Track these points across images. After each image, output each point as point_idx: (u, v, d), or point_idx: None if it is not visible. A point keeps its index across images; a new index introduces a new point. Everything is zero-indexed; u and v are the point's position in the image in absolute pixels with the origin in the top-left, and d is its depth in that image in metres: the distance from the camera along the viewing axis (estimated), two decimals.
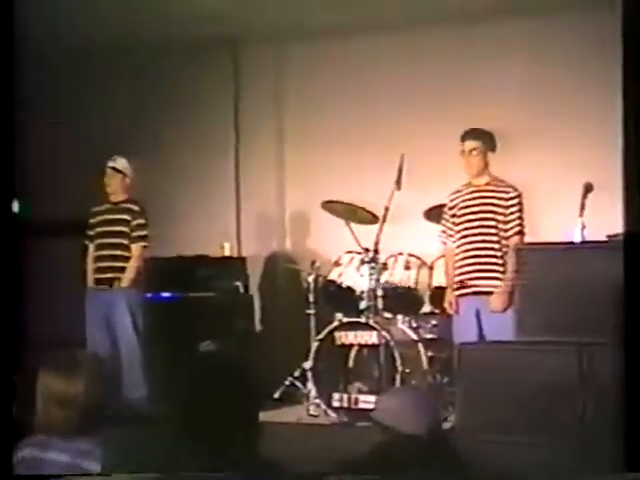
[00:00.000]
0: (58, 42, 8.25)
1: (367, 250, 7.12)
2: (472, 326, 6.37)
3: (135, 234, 7.33)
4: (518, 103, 7.84)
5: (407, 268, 7.30)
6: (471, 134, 6.55)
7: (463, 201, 6.56)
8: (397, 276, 7.27)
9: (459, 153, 6.53)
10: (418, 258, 7.34)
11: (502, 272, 6.36)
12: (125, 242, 7.33)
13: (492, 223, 6.44)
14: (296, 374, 7.48)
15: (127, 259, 7.31)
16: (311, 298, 7.52)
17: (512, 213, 6.41)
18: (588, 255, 5.19)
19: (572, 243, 5.49)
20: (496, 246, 6.43)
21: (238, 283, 8.36)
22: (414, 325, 7.13)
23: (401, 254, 7.35)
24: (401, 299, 7.21)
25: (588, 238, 5.48)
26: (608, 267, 4.90)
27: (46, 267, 8.30)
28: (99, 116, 8.94)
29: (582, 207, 5.67)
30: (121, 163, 7.41)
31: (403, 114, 8.21)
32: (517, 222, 6.41)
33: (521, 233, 6.42)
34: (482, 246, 6.45)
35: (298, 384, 7.46)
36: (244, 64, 8.98)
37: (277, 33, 8.60)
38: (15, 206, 8.85)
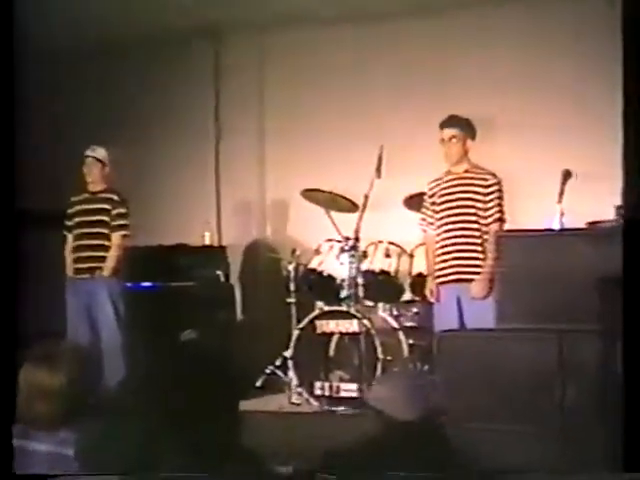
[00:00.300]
0: (44, 36, 8.22)
1: (347, 238, 7.11)
2: (453, 314, 6.39)
3: (115, 223, 7.31)
4: (503, 91, 7.84)
5: (387, 256, 7.30)
6: (450, 121, 6.55)
7: (442, 189, 6.57)
8: (377, 264, 7.27)
9: (438, 141, 6.54)
10: (398, 246, 7.34)
11: (482, 259, 6.38)
12: (105, 231, 7.31)
13: (472, 210, 6.45)
14: (277, 363, 7.49)
15: (107, 248, 7.29)
16: (292, 287, 7.51)
17: (491, 200, 6.43)
18: (567, 242, 5.20)
19: (551, 230, 5.52)
20: (476, 233, 6.44)
21: (219, 272, 8.36)
22: (395, 313, 7.14)
23: (381, 242, 7.36)
24: (381, 287, 7.21)
25: (570, 225, 5.50)
26: (587, 254, 4.94)
27: (25, 258, 8.26)
28: (78, 106, 8.93)
29: (561, 194, 5.69)
30: (100, 152, 7.39)
31: (383, 102, 8.21)
32: (497, 209, 6.43)
33: (501, 220, 6.43)
34: (462, 234, 6.46)
35: (279, 373, 7.47)
36: (225, 54, 8.96)
37: (258, 23, 8.58)
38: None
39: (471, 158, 6.56)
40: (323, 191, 7.53)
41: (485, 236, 6.40)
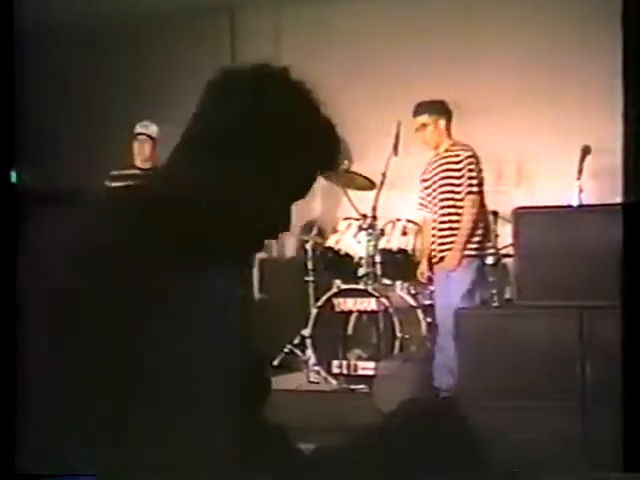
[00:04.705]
0: (65, 17, 8.25)
1: (365, 216, 7.10)
2: (445, 292, 6.43)
3: None
4: (515, 68, 7.81)
5: (404, 234, 7.28)
6: (417, 110, 6.62)
7: (426, 171, 6.64)
8: (395, 242, 7.25)
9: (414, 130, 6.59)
10: (415, 224, 7.32)
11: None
12: None
13: (447, 188, 6.48)
14: (295, 341, 7.49)
15: None
16: (309, 265, 7.51)
17: (462, 176, 6.43)
18: (586, 218, 5.18)
19: (570, 206, 5.49)
20: (452, 210, 6.47)
21: None
22: (412, 291, 7.13)
23: (399, 220, 7.33)
24: (399, 265, 7.20)
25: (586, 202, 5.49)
26: (607, 230, 4.90)
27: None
28: (102, 84, 8.95)
29: (580, 170, 5.67)
30: (153, 129, 7.26)
31: (401, 79, 8.17)
32: (467, 183, 6.42)
33: (471, 193, 6.41)
34: (442, 212, 6.52)
35: (297, 351, 7.47)
36: (241, 29, 8.94)
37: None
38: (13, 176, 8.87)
39: (455, 136, 6.58)
40: (341, 170, 7.50)
41: (460, 211, 6.43)
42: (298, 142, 1.83)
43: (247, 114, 1.79)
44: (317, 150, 1.87)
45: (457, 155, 6.47)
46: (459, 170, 6.42)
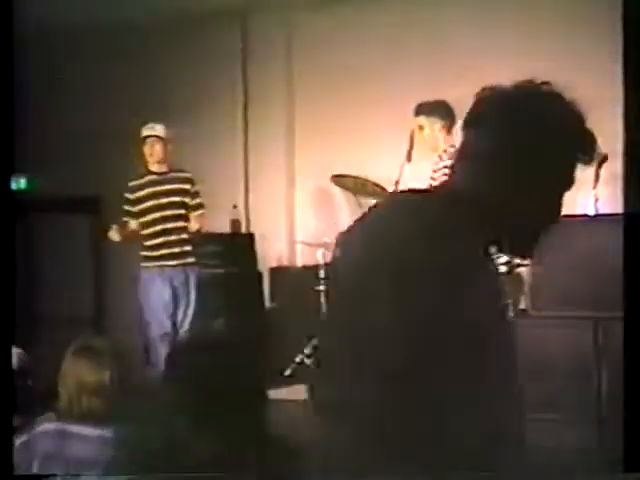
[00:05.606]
0: (66, 17, 8.26)
1: None
2: None
3: (195, 202, 7.02)
4: (526, 70, 7.77)
5: None
6: (417, 109, 6.36)
7: (430, 178, 6.48)
8: None
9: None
10: None
11: None
12: (183, 212, 6.97)
13: None
14: (307, 351, 7.43)
15: (187, 230, 7.00)
16: (321, 274, 7.46)
17: None
18: (601, 227, 5.12)
19: (586, 216, 5.43)
20: None
21: (247, 259, 8.32)
22: None
23: None
24: None
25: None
26: (623, 240, 4.84)
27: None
28: (108, 88, 8.95)
29: (596, 179, 5.59)
30: (160, 130, 6.99)
31: (415, 84, 8.12)
32: None
33: None
34: None
35: (309, 362, 7.41)
36: (253, 33, 8.93)
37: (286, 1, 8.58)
38: (22, 183, 8.87)
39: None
40: (353, 176, 7.47)
41: None
42: (568, 142, 2.14)
43: (528, 125, 2.12)
44: (582, 146, 2.17)
45: (436, 163, 6.31)
46: (435, 179, 6.17)
